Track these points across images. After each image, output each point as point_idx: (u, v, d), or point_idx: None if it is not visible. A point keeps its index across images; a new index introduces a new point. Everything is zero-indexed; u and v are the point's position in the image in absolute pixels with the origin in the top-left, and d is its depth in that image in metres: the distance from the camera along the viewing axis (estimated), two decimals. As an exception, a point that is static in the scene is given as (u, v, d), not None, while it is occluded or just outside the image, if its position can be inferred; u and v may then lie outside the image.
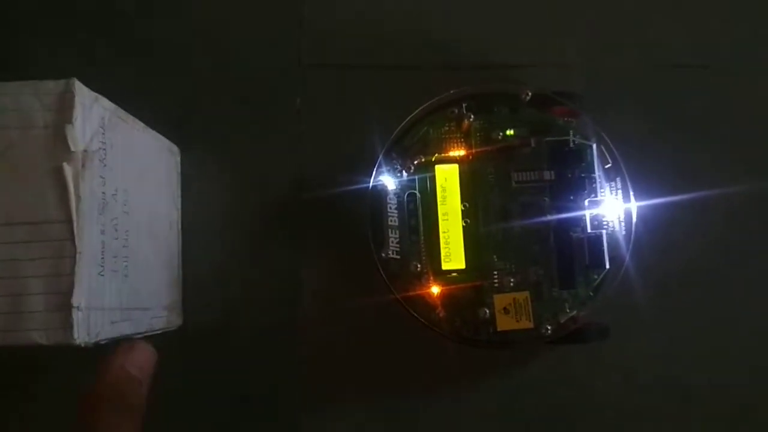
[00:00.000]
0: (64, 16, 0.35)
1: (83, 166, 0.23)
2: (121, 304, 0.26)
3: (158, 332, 0.30)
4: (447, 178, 0.31)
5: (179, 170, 0.34)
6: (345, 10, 0.36)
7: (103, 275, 0.24)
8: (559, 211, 0.31)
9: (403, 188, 0.31)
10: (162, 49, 0.35)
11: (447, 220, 0.31)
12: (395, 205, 0.31)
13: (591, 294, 0.31)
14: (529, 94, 0.31)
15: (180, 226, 0.34)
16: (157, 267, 0.30)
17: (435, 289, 0.31)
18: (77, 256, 0.22)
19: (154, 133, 0.31)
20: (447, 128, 0.32)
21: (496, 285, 0.31)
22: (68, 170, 0.22)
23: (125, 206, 0.26)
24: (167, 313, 0.31)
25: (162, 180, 0.32)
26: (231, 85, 0.35)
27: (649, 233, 0.33)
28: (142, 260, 0.28)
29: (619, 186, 0.31)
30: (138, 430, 0.21)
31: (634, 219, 0.31)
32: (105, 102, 0.25)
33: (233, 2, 0.36)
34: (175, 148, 0.34)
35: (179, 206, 0.34)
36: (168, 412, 0.33)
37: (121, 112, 0.27)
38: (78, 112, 0.23)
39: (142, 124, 0.29)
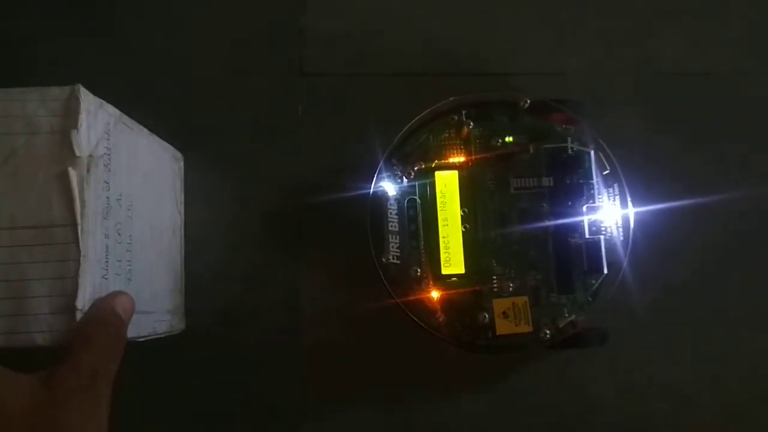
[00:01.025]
0: (69, 25, 0.35)
1: (88, 171, 0.23)
2: (124, 307, 0.26)
3: (161, 335, 0.30)
4: (447, 184, 0.31)
5: (182, 176, 0.34)
6: (346, 19, 0.36)
7: (106, 278, 0.24)
8: (558, 217, 0.31)
9: (403, 194, 0.32)
10: (166, 57, 0.35)
11: (447, 225, 0.31)
12: (395, 211, 0.31)
13: (589, 299, 0.31)
14: (528, 101, 0.32)
15: (183, 232, 0.34)
16: (160, 271, 0.30)
17: (435, 294, 0.31)
18: (81, 259, 0.22)
19: (158, 139, 0.31)
20: (447, 135, 0.32)
21: (496, 290, 0.31)
22: (73, 175, 0.23)
23: (129, 211, 0.27)
24: (170, 317, 0.31)
25: (165, 185, 0.32)
26: (234, 93, 0.35)
27: (647, 239, 0.33)
28: (146, 264, 0.28)
29: (617, 192, 0.32)
30: (118, 363, 0.23)
31: (632, 224, 0.31)
32: (110, 108, 0.25)
33: (235, 12, 0.36)
34: (178, 155, 0.34)
35: (182, 211, 0.34)
36: (170, 413, 0.33)
37: (126, 119, 0.27)
38: (83, 118, 0.23)
39: (146, 130, 0.29)
